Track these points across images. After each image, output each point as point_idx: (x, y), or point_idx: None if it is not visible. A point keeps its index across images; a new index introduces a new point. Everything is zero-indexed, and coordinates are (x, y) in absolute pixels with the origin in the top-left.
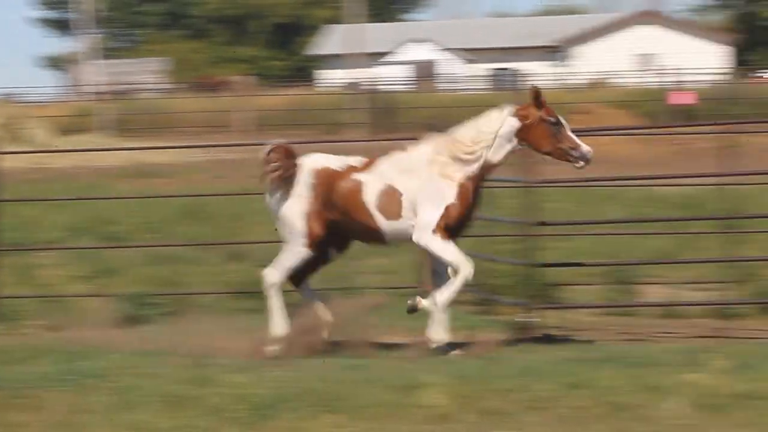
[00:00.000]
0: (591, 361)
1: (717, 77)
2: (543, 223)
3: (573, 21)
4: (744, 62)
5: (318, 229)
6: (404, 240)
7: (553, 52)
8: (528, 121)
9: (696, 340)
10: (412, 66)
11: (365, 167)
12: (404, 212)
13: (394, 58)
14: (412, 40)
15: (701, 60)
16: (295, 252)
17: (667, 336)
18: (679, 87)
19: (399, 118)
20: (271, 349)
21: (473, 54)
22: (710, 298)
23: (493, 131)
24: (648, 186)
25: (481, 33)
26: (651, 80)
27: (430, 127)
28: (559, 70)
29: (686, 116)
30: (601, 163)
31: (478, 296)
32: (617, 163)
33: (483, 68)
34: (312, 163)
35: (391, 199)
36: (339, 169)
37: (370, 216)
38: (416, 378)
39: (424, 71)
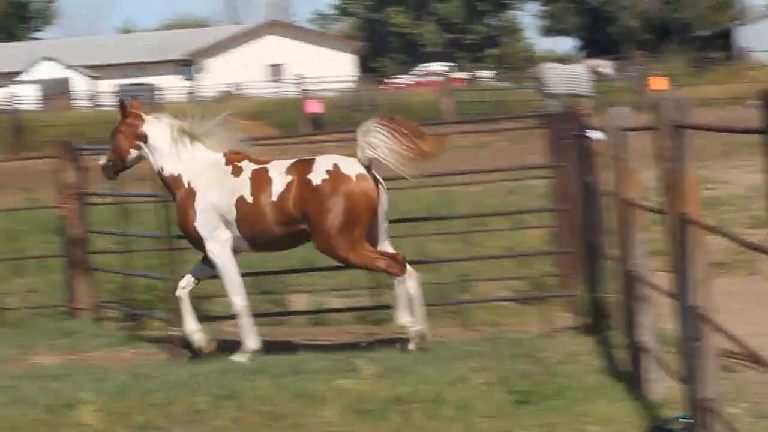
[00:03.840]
0: (243, 372)
1: (345, 85)
2: (181, 237)
3: (201, 34)
4: (373, 69)
5: None
6: None
7: (182, 65)
8: None
9: (346, 347)
10: (43, 85)
11: None
12: None
13: (25, 77)
14: (42, 59)
15: (330, 68)
16: None
17: (318, 343)
18: (311, 96)
19: (30, 138)
20: None
21: (102, 71)
22: (357, 304)
23: None
24: None
25: (110, 49)
26: (282, 90)
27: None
28: (190, 83)
29: (317, 124)
30: None
31: (125, 312)
32: None
33: (112, 84)
34: None
35: None
36: None
37: None
38: (70, 396)
39: (55, 89)
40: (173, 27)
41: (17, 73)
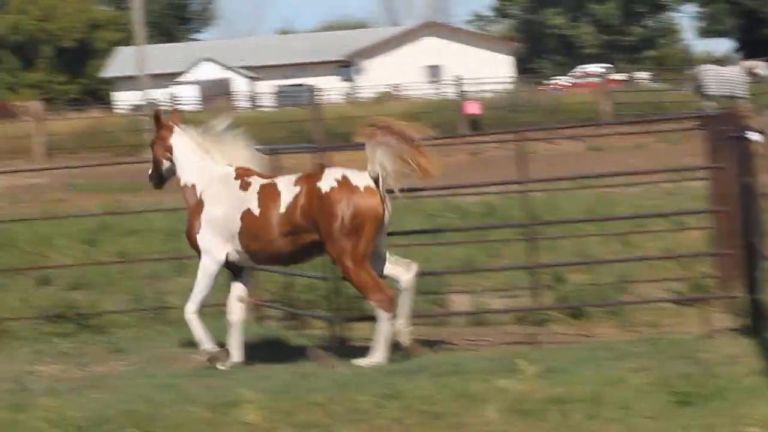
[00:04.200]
0: (404, 372)
1: (503, 86)
2: None
3: (360, 35)
4: (529, 70)
5: None
6: None
7: (341, 66)
8: None
9: (505, 347)
10: (203, 85)
11: None
12: None
13: (185, 78)
14: (201, 60)
15: (487, 70)
16: None
17: (477, 344)
18: (468, 97)
19: None
20: None
21: (261, 71)
22: (517, 304)
23: None
24: (446, 196)
25: (269, 50)
26: (440, 91)
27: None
28: (348, 84)
29: (475, 125)
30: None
31: (287, 312)
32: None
33: (272, 85)
34: None
35: None
36: None
37: None
38: (233, 395)
39: (215, 90)
40: (332, 28)
41: (177, 74)
